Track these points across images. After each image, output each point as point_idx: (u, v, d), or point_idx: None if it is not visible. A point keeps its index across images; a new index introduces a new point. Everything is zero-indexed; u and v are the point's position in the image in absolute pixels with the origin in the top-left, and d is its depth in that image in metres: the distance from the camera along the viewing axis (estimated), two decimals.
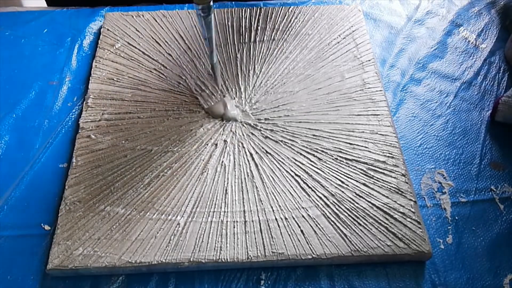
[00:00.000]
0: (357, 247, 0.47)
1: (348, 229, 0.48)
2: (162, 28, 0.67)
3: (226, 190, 0.51)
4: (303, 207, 0.50)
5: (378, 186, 0.51)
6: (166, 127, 0.57)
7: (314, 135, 0.56)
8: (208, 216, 0.49)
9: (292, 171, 0.53)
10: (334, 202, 0.50)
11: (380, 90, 0.60)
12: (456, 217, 0.51)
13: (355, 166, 0.53)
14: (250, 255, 0.46)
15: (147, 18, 0.68)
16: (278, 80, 0.61)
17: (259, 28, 0.67)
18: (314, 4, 0.71)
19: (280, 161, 0.53)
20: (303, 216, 0.49)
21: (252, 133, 0.56)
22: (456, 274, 0.47)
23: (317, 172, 0.52)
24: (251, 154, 0.54)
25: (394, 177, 0.52)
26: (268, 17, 0.68)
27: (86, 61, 0.65)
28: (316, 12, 0.69)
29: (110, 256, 0.46)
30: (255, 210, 0.50)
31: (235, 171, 0.53)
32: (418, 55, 0.66)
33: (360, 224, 0.48)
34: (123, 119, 0.57)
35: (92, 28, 0.69)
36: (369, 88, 0.60)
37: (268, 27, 0.67)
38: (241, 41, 0.65)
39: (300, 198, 0.50)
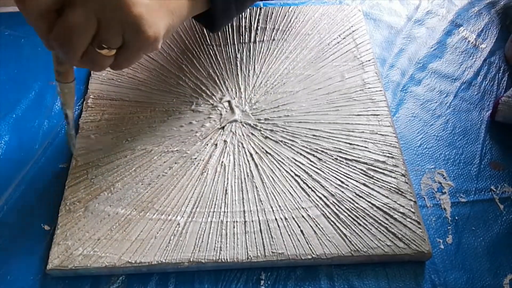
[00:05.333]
0: (357, 247, 0.47)
1: (348, 229, 0.48)
2: None
3: (226, 190, 0.51)
4: (303, 207, 0.50)
5: (378, 186, 0.51)
6: (166, 127, 0.57)
7: (314, 135, 0.56)
8: (208, 216, 0.49)
9: (292, 171, 0.53)
10: (334, 202, 0.50)
11: (380, 90, 0.60)
12: (456, 217, 0.51)
13: (355, 166, 0.53)
14: (250, 255, 0.46)
15: None
16: (278, 80, 0.61)
17: (259, 28, 0.67)
18: (314, 4, 0.71)
19: (280, 161, 0.53)
20: (303, 216, 0.49)
21: (252, 133, 0.56)
22: (456, 274, 0.47)
23: (317, 172, 0.52)
24: (251, 154, 0.54)
25: (394, 177, 0.52)
26: (268, 17, 0.68)
27: None
28: (316, 12, 0.69)
29: (110, 256, 0.46)
30: (255, 210, 0.49)
31: (235, 171, 0.53)
32: (418, 55, 0.66)
33: (360, 224, 0.48)
34: (123, 119, 0.57)
35: None
36: (369, 88, 0.60)
37: (268, 27, 0.67)
38: (241, 41, 0.65)
39: (300, 198, 0.50)
